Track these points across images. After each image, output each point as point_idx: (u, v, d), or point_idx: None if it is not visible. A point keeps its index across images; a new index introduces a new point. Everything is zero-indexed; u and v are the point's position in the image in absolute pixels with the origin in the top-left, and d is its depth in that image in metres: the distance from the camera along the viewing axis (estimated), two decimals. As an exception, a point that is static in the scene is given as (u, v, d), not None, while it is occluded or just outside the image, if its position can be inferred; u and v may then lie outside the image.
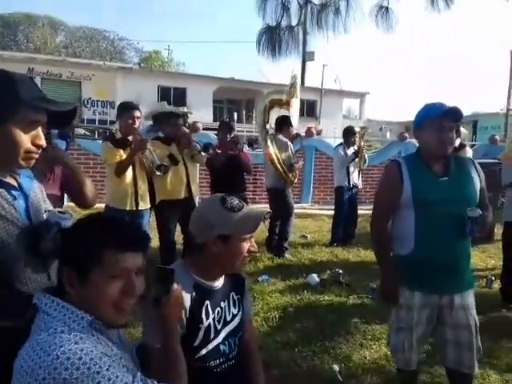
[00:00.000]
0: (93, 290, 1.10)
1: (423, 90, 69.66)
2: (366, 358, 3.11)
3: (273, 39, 5.02)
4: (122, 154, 3.85)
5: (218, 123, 6.55)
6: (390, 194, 2.24)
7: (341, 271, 4.75)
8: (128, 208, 3.92)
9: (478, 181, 2.22)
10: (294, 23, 5.54)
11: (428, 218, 2.16)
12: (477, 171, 2.25)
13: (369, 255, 5.74)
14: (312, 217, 8.27)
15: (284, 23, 5.38)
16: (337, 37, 4.71)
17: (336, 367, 2.92)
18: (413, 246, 2.20)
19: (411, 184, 2.16)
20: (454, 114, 2.13)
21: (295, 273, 4.88)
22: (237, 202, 1.58)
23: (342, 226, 6.28)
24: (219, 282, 1.65)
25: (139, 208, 4.00)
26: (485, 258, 5.72)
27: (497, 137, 10.53)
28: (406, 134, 9.97)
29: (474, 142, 13.95)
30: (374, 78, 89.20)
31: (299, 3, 5.08)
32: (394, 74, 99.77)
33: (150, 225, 4.61)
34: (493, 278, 4.73)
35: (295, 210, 6.52)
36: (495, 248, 5.66)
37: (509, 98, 16.37)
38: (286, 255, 5.54)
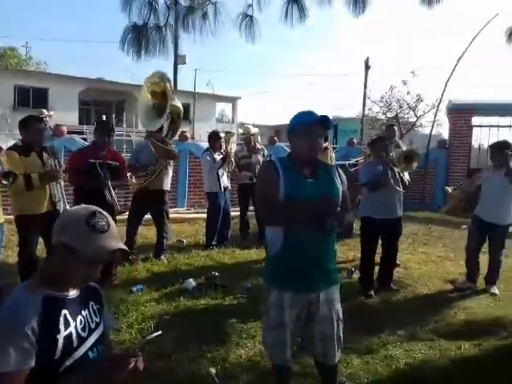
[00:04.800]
0: None
1: (292, 95, 73.99)
2: (241, 356, 3.19)
3: (139, 39, 4.82)
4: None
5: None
6: (270, 188, 2.29)
7: (217, 274, 4.80)
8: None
9: (340, 184, 2.42)
10: (161, 24, 5.36)
11: None
12: (339, 176, 2.45)
13: (243, 255, 5.92)
14: (188, 221, 8.24)
15: (151, 23, 5.20)
16: (205, 41, 4.68)
17: (213, 370, 2.94)
18: (281, 245, 2.31)
19: (284, 182, 2.27)
20: (323, 122, 2.31)
21: (171, 279, 4.80)
22: (103, 223, 1.49)
23: (217, 229, 6.35)
24: (74, 292, 1.55)
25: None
26: (345, 250, 6.24)
27: (354, 140, 11.61)
28: (276, 138, 10.44)
29: (334, 145, 15.21)
30: (247, 83, 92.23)
31: (166, 3, 4.96)
32: (264, 80, 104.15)
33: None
34: (353, 269, 5.21)
35: (171, 215, 6.47)
36: (355, 241, 6.21)
37: (364, 104, 18.15)
38: (162, 257, 5.55)
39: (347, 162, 7.33)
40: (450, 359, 3.26)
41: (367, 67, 21.16)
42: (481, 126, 10.43)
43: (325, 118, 2.29)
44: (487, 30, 7.79)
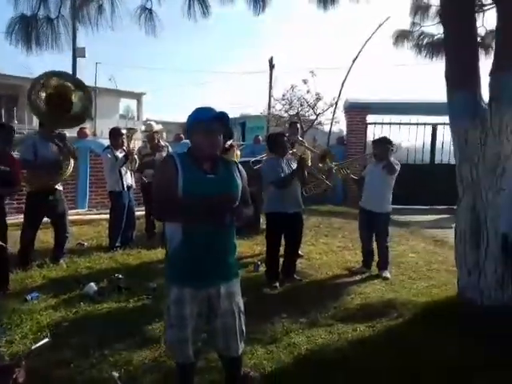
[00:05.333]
0: None
1: (200, 93, 73.66)
2: (146, 358, 3.13)
3: (27, 31, 4.49)
4: None
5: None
6: (167, 184, 2.25)
7: (121, 276, 4.64)
8: None
9: (240, 180, 2.45)
10: (53, 15, 5.06)
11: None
12: (239, 171, 2.48)
13: (149, 255, 5.78)
14: (90, 223, 7.83)
15: (41, 14, 4.88)
16: (103, 34, 4.50)
17: (115, 374, 2.85)
18: (180, 241, 2.30)
19: (183, 178, 2.24)
20: (221, 119, 2.32)
21: (71, 285, 4.54)
22: None
23: (121, 230, 6.13)
24: None
25: None
26: (252, 245, 6.40)
27: (260, 137, 11.87)
28: (182, 135, 10.32)
29: (242, 142, 15.43)
30: (152, 79, 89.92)
31: (58, -6, 4.67)
32: (172, 76, 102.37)
33: None
34: (259, 263, 5.34)
35: (70, 217, 6.12)
36: (262, 236, 6.37)
37: (269, 102, 18.58)
38: (61, 261, 5.27)
39: (252, 159, 7.49)
40: (348, 341, 3.48)
41: (271, 66, 21.76)
42: (375, 124, 11.23)
43: (222, 114, 2.31)
44: (381, 32, 8.38)
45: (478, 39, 6.11)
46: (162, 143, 6.79)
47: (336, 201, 10.37)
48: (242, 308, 2.51)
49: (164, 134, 7.16)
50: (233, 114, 28.34)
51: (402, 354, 3.18)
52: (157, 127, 6.79)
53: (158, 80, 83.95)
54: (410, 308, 4.12)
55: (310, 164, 5.78)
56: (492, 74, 3.78)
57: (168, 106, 67.23)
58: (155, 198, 2.36)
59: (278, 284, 4.74)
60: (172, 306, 2.34)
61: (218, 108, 2.36)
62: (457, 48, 4.17)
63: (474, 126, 4.03)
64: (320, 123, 13.54)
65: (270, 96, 17.84)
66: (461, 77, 4.12)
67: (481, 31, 5.99)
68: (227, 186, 2.35)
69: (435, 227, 8.21)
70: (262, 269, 5.18)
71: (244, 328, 2.50)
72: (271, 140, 5.07)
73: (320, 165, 5.80)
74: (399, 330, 3.73)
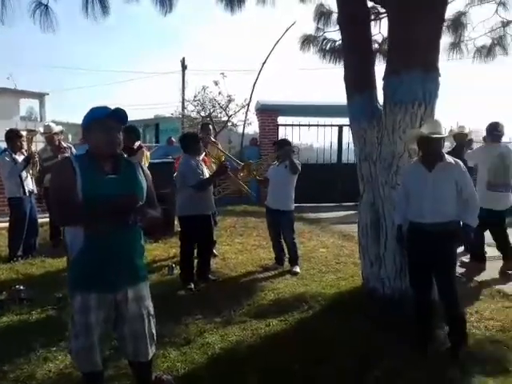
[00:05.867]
0: None
1: (113, 94, 70.83)
2: (51, 371, 2.97)
3: None
4: None
5: None
6: (65, 188, 2.16)
7: (22, 287, 4.33)
8: None
9: (144, 181, 2.40)
10: None
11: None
12: (143, 171, 2.44)
13: (55, 264, 5.46)
14: (-14, 232, 7.20)
15: None
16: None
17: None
18: (82, 246, 2.20)
19: (82, 180, 2.16)
20: (118, 116, 2.25)
21: (-36, 300, 4.15)
22: None
23: (23, 238, 5.71)
24: None
25: None
26: (167, 248, 6.30)
27: (173, 138, 11.72)
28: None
29: (156, 144, 15.14)
30: (61, 79, 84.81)
31: None
32: (83, 76, 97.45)
33: None
34: (173, 265, 5.28)
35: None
36: (176, 239, 6.28)
37: (183, 103, 18.36)
38: None
39: (165, 160, 7.39)
40: (261, 337, 3.56)
41: (184, 67, 21.56)
42: (285, 125, 11.59)
43: (118, 110, 2.25)
44: (292, 36, 8.60)
45: (376, 45, 6.57)
46: (65, 145, 6.43)
47: (251, 201, 10.53)
48: (152, 311, 2.47)
49: (69, 136, 6.78)
50: (147, 115, 27.66)
51: (310, 343, 3.33)
52: (56, 128, 6.40)
53: (67, 80, 79.27)
54: (320, 300, 4.32)
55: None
56: (385, 77, 4.08)
57: (76, 107, 63.78)
58: (53, 202, 2.25)
59: (192, 286, 4.72)
60: (76, 314, 2.24)
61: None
62: (353, 53, 4.45)
63: (372, 126, 4.32)
64: (234, 125, 13.67)
65: (183, 97, 17.66)
66: (358, 80, 4.40)
67: (378, 38, 6.42)
68: (129, 186, 2.30)
69: (343, 223, 8.66)
70: (177, 271, 5.12)
71: (154, 332, 2.46)
72: (185, 140, 5.03)
73: (241, 174, 5.93)
74: (309, 321, 3.90)
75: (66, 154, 6.10)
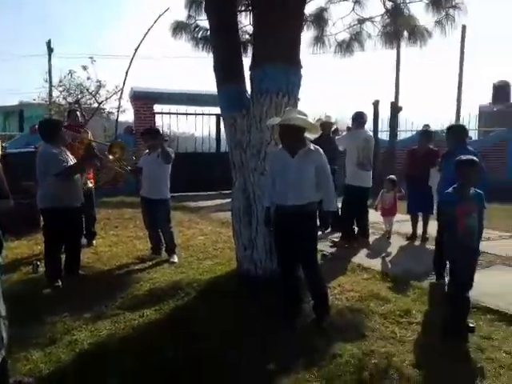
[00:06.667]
0: None
1: None
2: None
3: None
4: None
5: None
6: None
7: None
8: None
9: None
10: None
11: None
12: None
13: None
14: None
15: None
16: None
17: None
18: None
19: None
20: None
21: None
22: None
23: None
24: None
25: None
26: (31, 245, 5.84)
27: (36, 126, 10.73)
28: None
29: (20, 133, 13.77)
30: None
31: None
32: None
33: None
34: (38, 263, 4.91)
35: None
36: (41, 235, 5.84)
37: (50, 89, 16.90)
38: None
39: (26, 150, 6.80)
40: (134, 328, 3.50)
41: (50, 50, 19.91)
42: (162, 113, 11.37)
43: None
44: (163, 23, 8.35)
45: (247, 37, 6.74)
46: None
47: (129, 191, 10.17)
48: (4, 313, 2.28)
49: None
50: (10, 101, 24.93)
51: (182, 328, 3.39)
52: None
53: None
54: (195, 286, 4.37)
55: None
56: (251, 69, 4.23)
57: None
58: None
59: (60, 283, 4.44)
60: None
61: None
62: (221, 43, 4.53)
63: (241, 115, 4.46)
64: (108, 112, 12.97)
65: (50, 82, 16.24)
66: (226, 71, 4.50)
67: (250, 29, 6.54)
68: None
69: (222, 210, 8.81)
70: (42, 269, 4.77)
71: (5, 335, 2.28)
72: (43, 127, 4.66)
73: (110, 156, 5.60)
74: (184, 307, 3.93)
75: None
